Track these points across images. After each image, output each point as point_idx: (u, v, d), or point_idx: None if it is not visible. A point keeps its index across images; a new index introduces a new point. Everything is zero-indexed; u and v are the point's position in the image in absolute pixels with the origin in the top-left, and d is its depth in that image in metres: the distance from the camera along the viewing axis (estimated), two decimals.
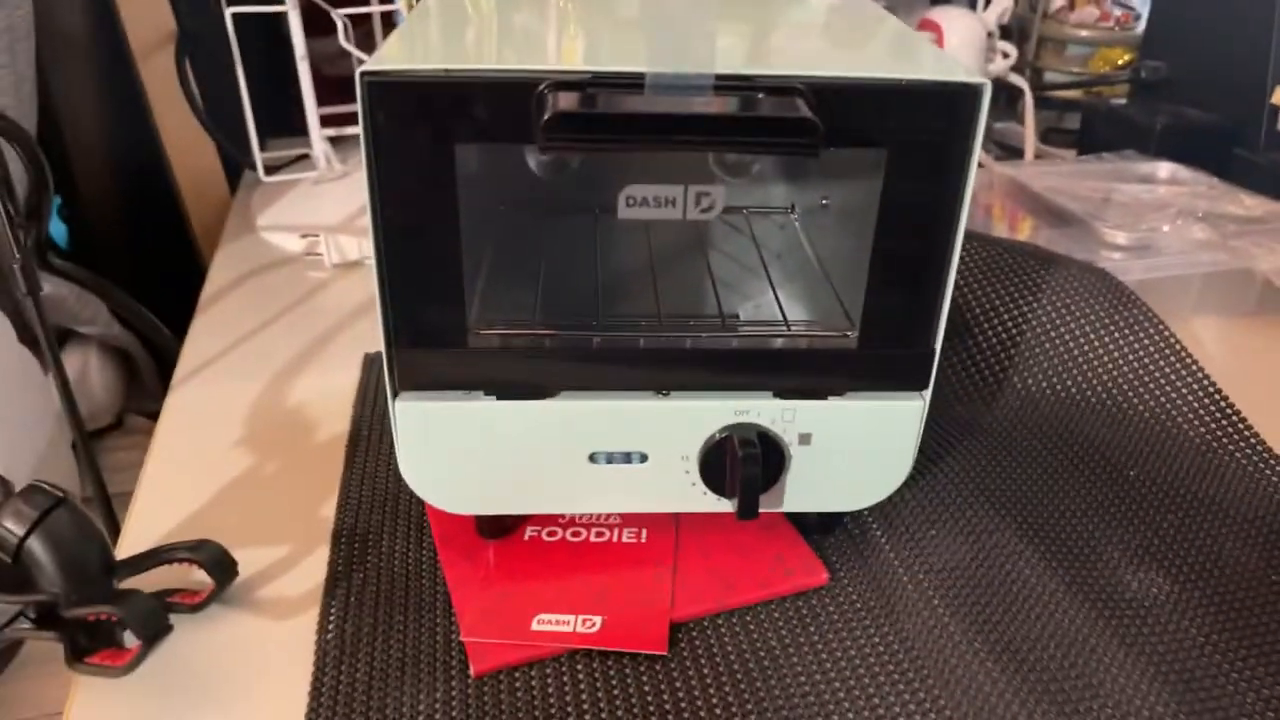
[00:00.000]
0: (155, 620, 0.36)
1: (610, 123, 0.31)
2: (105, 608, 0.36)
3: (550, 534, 0.45)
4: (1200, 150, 0.78)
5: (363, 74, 0.33)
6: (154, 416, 0.59)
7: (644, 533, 0.45)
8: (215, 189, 0.93)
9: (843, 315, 0.43)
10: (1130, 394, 0.55)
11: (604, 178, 0.38)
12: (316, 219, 0.78)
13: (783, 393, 0.41)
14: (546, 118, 0.31)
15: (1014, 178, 0.75)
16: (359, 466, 0.50)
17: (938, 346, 0.40)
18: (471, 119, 0.34)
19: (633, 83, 0.33)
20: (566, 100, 0.32)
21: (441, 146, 0.35)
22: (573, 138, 0.31)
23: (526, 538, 0.45)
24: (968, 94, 0.35)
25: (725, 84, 0.33)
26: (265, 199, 0.84)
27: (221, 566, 0.40)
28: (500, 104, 0.34)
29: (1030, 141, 0.92)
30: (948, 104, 0.35)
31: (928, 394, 0.41)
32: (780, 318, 0.44)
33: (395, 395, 0.40)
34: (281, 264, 0.75)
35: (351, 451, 0.51)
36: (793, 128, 0.31)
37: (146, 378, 0.75)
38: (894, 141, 0.36)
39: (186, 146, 0.91)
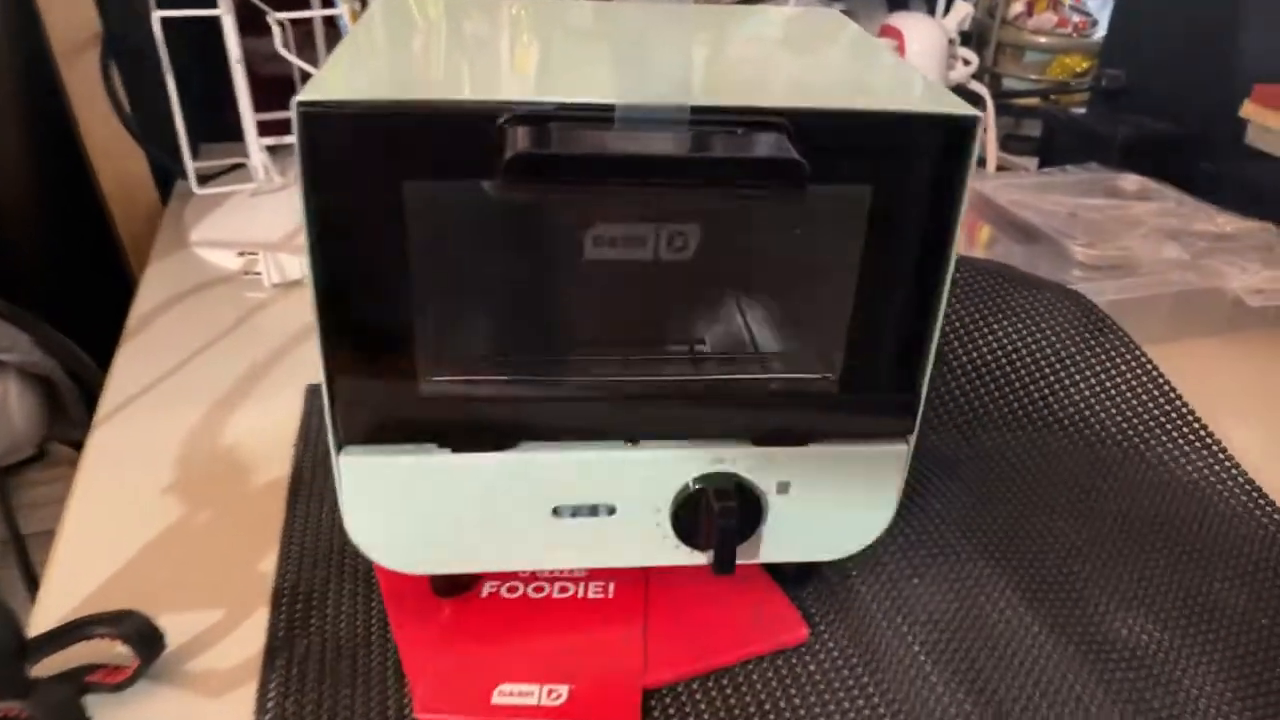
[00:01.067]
0: (70, 715, 0.33)
1: (577, 164, 0.28)
2: (15, 703, 0.32)
3: (510, 589, 0.42)
4: (1164, 162, 0.77)
5: (299, 104, 0.30)
6: (79, 446, 0.55)
7: (611, 586, 0.42)
8: (145, 197, 0.87)
9: (821, 355, 0.40)
10: (1110, 426, 0.53)
11: (568, 212, 0.35)
12: (254, 234, 0.73)
13: (760, 439, 0.38)
14: (507, 159, 0.28)
15: (978, 190, 0.73)
16: (301, 514, 0.46)
17: (924, 391, 0.38)
18: (423, 154, 0.31)
19: (600, 116, 0.30)
20: (528, 138, 0.29)
21: (389, 184, 0.31)
22: (536, 181, 0.28)
23: (485, 594, 0.42)
24: (962, 127, 0.32)
25: (701, 118, 0.30)
26: (199, 211, 0.79)
27: (147, 641, 0.36)
28: (455, 139, 0.30)
29: (992, 152, 0.90)
30: (941, 137, 0.33)
31: (912, 439, 0.39)
32: (751, 348, 0.41)
33: (339, 449, 0.36)
34: (216, 283, 0.71)
35: (293, 497, 0.48)
36: (779, 169, 0.29)
37: (70, 405, 0.70)
38: (881, 177, 0.33)
39: (113, 152, 0.86)
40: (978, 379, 0.56)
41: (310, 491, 0.48)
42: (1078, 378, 0.55)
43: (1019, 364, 0.56)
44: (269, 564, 0.44)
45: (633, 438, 0.38)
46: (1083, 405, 0.54)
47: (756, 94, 0.33)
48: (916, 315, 0.36)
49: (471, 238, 0.35)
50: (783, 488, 0.39)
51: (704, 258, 0.36)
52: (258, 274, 0.70)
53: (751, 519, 0.39)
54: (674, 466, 0.38)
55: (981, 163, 0.93)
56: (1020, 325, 0.57)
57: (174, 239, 0.77)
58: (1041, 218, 0.66)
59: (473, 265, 0.36)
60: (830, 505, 0.40)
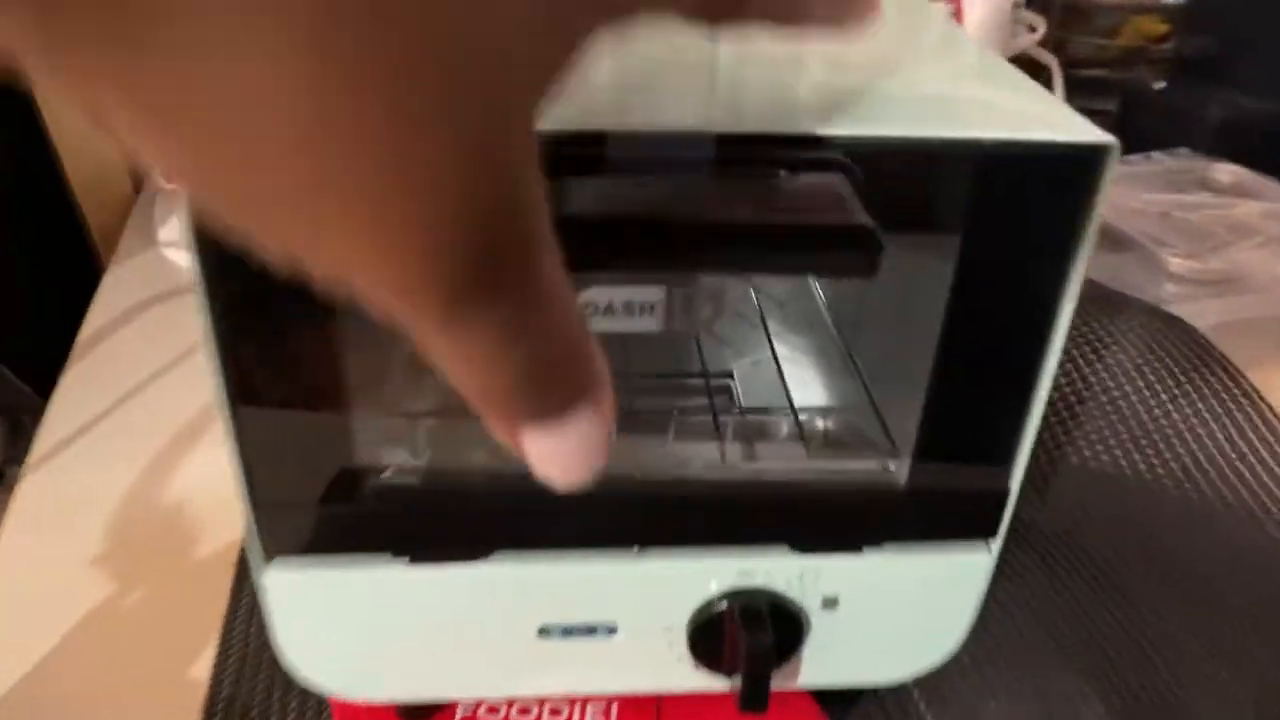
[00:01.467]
0: None
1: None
2: None
3: (491, 710, 0.34)
4: (1263, 149, 0.67)
5: None
6: None
7: (614, 710, 0.34)
8: (118, 188, 0.80)
9: (881, 431, 0.32)
10: (1223, 487, 0.44)
11: None
12: None
13: (802, 545, 0.30)
14: None
15: None
16: (246, 603, 0.39)
17: (1015, 486, 0.29)
18: None
19: (587, 145, 0.21)
20: None
21: None
22: None
23: (459, 718, 0.34)
24: (1093, 159, 0.23)
25: (731, 151, 0.22)
26: (171, 206, 0.71)
27: None
28: None
29: None
30: (1059, 172, 0.24)
31: (996, 545, 0.30)
32: (794, 428, 0.33)
33: (266, 562, 0.29)
34: (183, 293, 0.63)
35: (239, 579, 0.40)
36: (842, 238, 0.20)
37: (28, 424, 0.63)
38: (979, 222, 0.24)
39: (84, 136, 0.78)
40: (1059, 425, 0.47)
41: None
42: (1179, 422, 0.46)
43: (1105, 405, 0.47)
44: (203, 665, 0.36)
45: (638, 544, 0.30)
46: (1186, 458, 0.45)
47: (805, 116, 0.24)
48: (1017, 389, 0.27)
49: None
50: (829, 603, 0.31)
51: (724, 321, 0.28)
52: None
53: (789, 642, 0.31)
54: (692, 579, 0.30)
55: None
56: (1105, 356, 0.48)
57: (142, 236, 0.69)
58: (1128, 220, 0.56)
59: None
60: (889, 622, 0.31)
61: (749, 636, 0.29)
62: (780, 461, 0.31)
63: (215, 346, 0.24)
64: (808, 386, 0.36)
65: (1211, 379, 0.46)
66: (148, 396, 0.53)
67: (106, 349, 0.57)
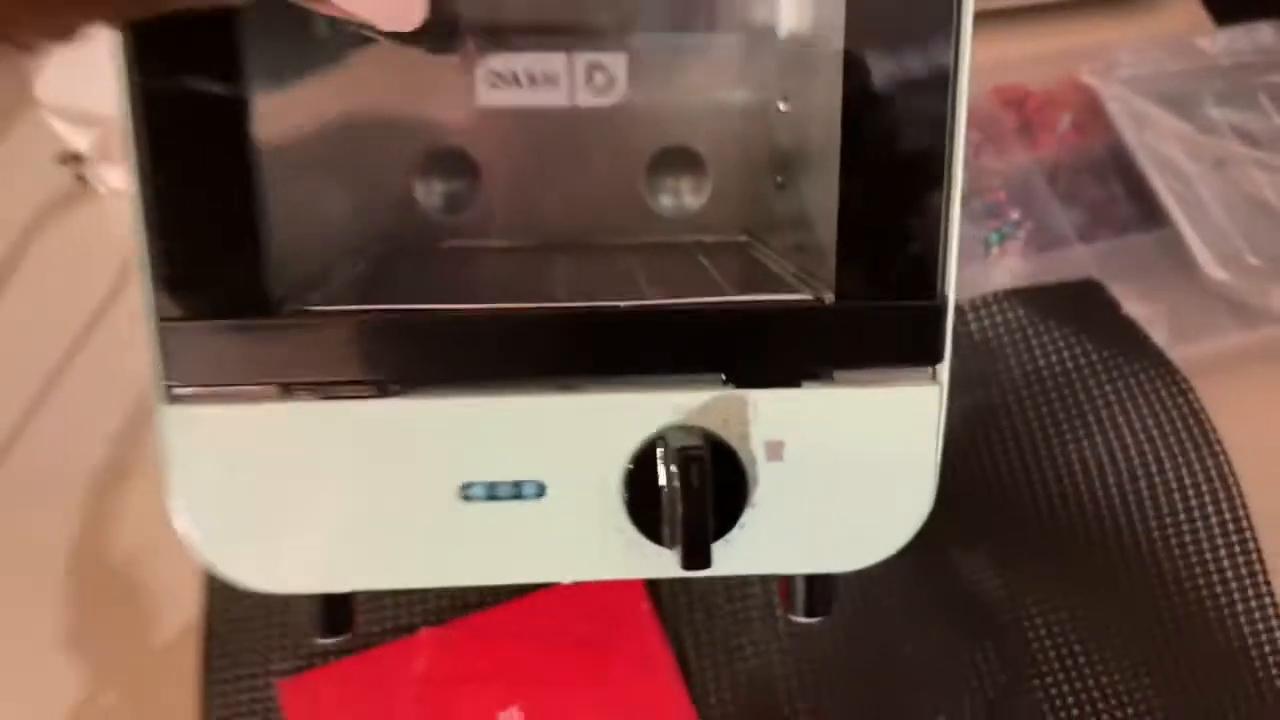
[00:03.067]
0: None
1: None
2: None
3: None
4: None
5: None
6: None
7: None
8: None
9: (812, 278, 0.31)
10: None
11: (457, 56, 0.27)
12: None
13: (737, 378, 0.28)
14: None
15: (1076, 74, 0.58)
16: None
17: (951, 295, 0.28)
18: None
19: None
20: None
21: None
22: None
23: None
24: None
25: None
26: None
27: None
28: None
29: None
30: None
31: (944, 372, 0.29)
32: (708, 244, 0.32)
33: (166, 398, 0.27)
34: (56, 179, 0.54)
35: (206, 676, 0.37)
36: None
37: None
38: None
39: None
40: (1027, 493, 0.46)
41: (228, 653, 0.37)
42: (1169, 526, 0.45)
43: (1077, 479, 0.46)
44: None
45: (561, 375, 0.28)
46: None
47: None
48: (925, 180, 0.27)
49: (324, 84, 0.28)
50: (774, 451, 0.29)
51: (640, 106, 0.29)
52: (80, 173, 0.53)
53: (733, 496, 0.28)
54: (621, 421, 0.28)
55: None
56: (1078, 419, 0.47)
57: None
58: (1167, 174, 0.56)
59: (330, 125, 0.28)
60: (842, 478, 0.29)
61: (682, 462, 0.27)
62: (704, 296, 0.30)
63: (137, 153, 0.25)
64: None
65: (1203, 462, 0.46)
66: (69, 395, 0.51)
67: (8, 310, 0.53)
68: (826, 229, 0.28)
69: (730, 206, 0.38)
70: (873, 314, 0.28)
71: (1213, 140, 0.58)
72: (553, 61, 0.26)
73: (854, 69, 0.27)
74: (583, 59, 0.27)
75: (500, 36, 0.26)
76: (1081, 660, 0.45)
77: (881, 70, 0.27)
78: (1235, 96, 0.60)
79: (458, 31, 0.26)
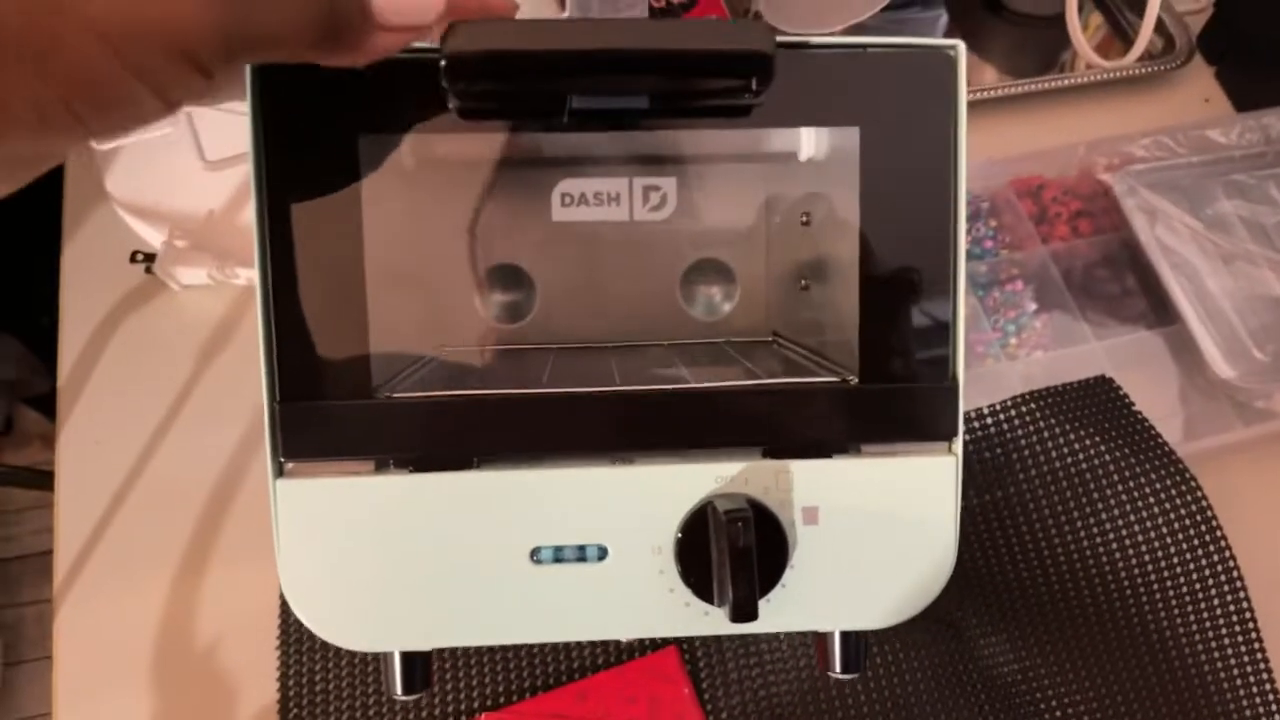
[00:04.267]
0: None
1: (524, 60, 0.27)
2: None
3: None
4: None
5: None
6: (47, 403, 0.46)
7: None
8: None
9: (837, 366, 0.35)
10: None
11: (536, 181, 0.33)
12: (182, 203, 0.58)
13: (774, 451, 0.32)
14: (446, 52, 0.26)
15: (1069, 177, 0.62)
16: None
17: (961, 379, 0.32)
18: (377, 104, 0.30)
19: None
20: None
21: (345, 137, 0.30)
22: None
23: None
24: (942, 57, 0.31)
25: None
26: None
27: None
28: (406, 85, 0.29)
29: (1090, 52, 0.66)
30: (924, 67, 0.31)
31: (958, 445, 0.33)
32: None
33: (279, 474, 0.31)
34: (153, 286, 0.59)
35: None
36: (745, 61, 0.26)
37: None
38: (868, 114, 0.31)
39: None
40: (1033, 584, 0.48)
41: None
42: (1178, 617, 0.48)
43: (1090, 574, 0.49)
44: None
45: (619, 450, 0.32)
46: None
47: None
48: (935, 285, 0.32)
49: (423, 205, 0.33)
50: (810, 515, 0.32)
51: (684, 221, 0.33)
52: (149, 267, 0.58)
53: (775, 555, 0.32)
54: (673, 489, 0.32)
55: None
56: (1089, 519, 0.50)
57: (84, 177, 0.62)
58: (1178, 270, 0.59)
59: (425, 234, 0.33)
60: (873, 542, 0.32)
61: (730, 520, 0.30)
62: (749, 381, 0.34)
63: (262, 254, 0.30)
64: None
65: (1214, 565, 0.49)
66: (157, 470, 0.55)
67: (94, 392, 0.58)
68: (848, 325, 0.33)
69: (758, 310, 0.43)
70: (894, 395, 0.32)
71: (1222, 236, 0.62)
72: (618, 184, 0.31)
73: (868, 193, 0.31)
74: (641, 182, 0.32)
75: (574, 165, 0.31)
76: None
77: (891, 192, 0.32)
78: (1247, 189, 0.63)
79: (540, 161, 0.32)
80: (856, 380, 0.32)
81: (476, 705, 0.48)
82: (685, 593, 0.32)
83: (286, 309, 0.31)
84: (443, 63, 0.26)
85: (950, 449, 0.33)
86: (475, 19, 0.25)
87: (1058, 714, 0.48)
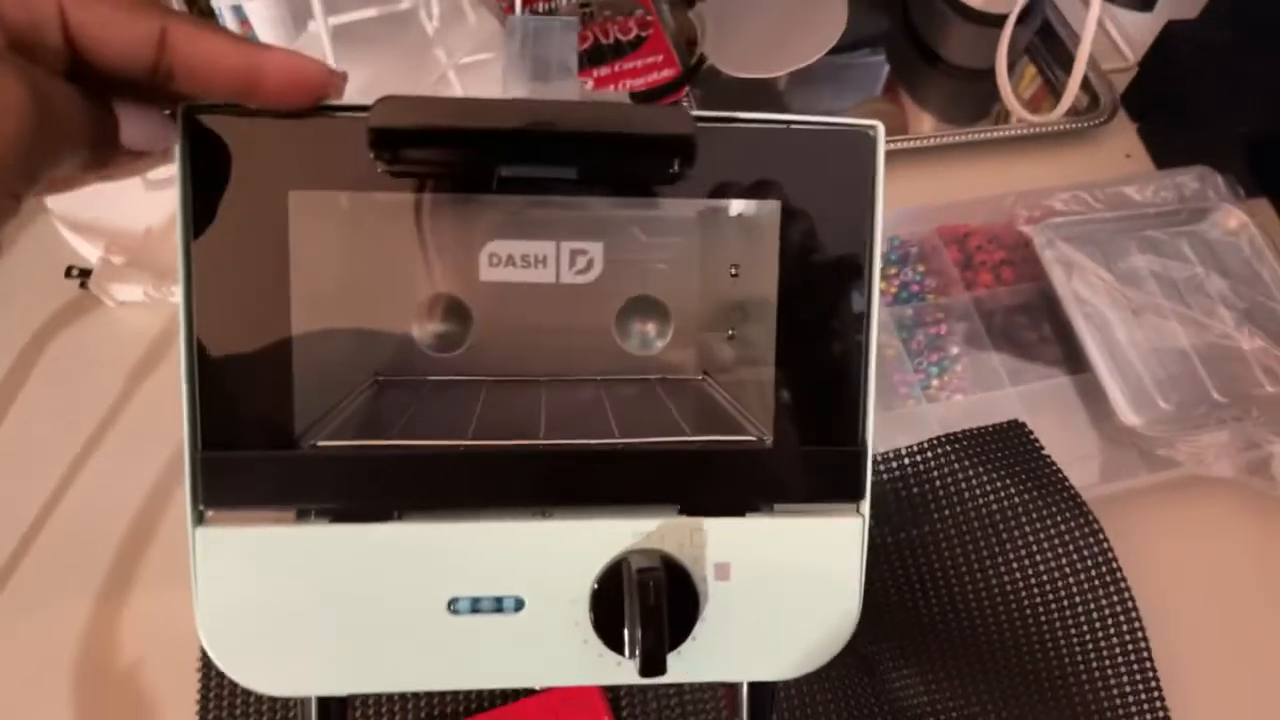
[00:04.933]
0: None
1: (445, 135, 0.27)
2: None
3: None
4: None
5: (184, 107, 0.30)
6: None
7: None
8: None
9: (758, 416, 0.36)
10: None
11: (469, 224, 0.33)
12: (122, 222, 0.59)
13: (691, 509, 0.33)
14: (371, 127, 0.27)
15: (1010, 219, 0.64)
16: None
17: (870, 443, 0.34)
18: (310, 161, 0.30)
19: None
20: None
21: (275, 192, 0.30)
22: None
23: None
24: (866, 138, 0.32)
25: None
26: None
27: None
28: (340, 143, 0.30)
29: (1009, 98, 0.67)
30: (843, 148, 0.32)
31: (865, 507, 0.34)
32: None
33: (198, 522, 0.32)
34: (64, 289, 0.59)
35: None
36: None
37: None
38: (789, 190, 0.32)
39: None
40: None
41: None
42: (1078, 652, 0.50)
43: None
44: None
45: (540, 508, 0.33)
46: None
47: None
48: (847, 353, 0.33)
49: (351, 252, 0.33)
50: (721, 572, 0.33)
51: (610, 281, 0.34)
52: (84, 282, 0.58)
53: (686, 611, 0.33)
54: (590, 544, 0.33)
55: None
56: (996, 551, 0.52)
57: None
58: (1090, 321, 0.61)
59: (358, 270, 0.34)
60: (781, 597, 0.34)
61: (641, 579, 0.31)
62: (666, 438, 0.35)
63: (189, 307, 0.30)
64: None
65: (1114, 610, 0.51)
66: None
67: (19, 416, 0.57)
68: (765, 381, 0.34)
69: (689, 349, 0.44)
70: (805, 458, 0.33)
71: (1134, 290, 0.65)
72: (545, 248, 0.32)
73: (787, 262, 0.33)
74: (568, 246, 0.32)
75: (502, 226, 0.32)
76: None
77: (809, 262, 0.33)
78: (1159, 245, 0.67)
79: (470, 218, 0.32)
80: (770, 439, 0.33)
81: None
82: (599, 644, 0.33)
83: (210, 357, 0.31)
84: (369, 133, 0.26)
85: (858, 510, 0.34)
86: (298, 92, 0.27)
87: None
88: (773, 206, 0.33)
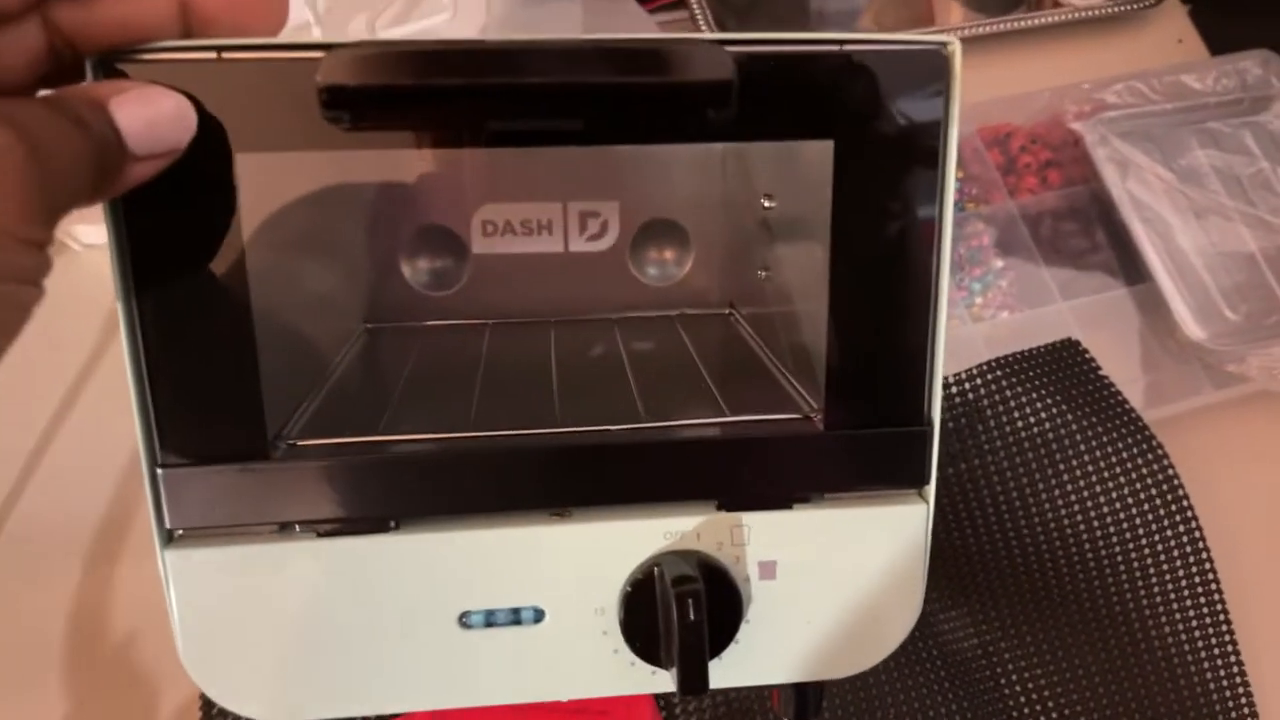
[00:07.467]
0: None
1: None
2: None
3: None
4: None
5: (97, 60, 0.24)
6: None
7: None
8: None
9: (802, 400, 0.32)
10: None
11: (459, 205, 0.28)
12: None
13: (730, 503, 0.29)
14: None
15: (1056, 115, 0.57)
16: None
17: (936, 418, 0.29)
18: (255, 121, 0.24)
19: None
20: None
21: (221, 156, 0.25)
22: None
23: None
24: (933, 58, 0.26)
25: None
26: None
27: None
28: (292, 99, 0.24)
29: None
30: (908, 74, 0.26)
31: (930, 492, 0.30)
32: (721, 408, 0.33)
33: (167, 542, 0.27)
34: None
35: None
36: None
37: None
38: (844, 127, 0.26)
39: None
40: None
41: None
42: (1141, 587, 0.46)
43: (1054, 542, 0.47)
44: None
45: (555, 505, 0.29)
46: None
47: None
48: (913, 316, 0.28)
49: (319, 204, 0.28)
50: (766, 570, 0.29)
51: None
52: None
53: (728, 616, 0.29)
54: (618, 545, 0.29)
55: None
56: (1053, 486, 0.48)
57: None
58: (1149, 225, 0.55)
59: (325, 236, 0.28)
60: (834, 594, 0.30)
61: (678, 591, 0.27)
62: (698, 421, 0.31)
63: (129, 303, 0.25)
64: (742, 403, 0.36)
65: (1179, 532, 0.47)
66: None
67: None
68: (812, 334, 0.29)
69: (713, 278, 0.39)
70: (862, 441, 0.29)
71: (1195, 189, 0.59)
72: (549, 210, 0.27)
73: (841, 209, 0.27)
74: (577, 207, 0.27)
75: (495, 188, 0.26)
76: (1054, 715, 0.47)
77: (868, 210, 0.27)
78: (1221, 138, 0.60)
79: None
80: (820, 416, 0.29)
81: None
82: (630, 654, 0.29)
83: (160, 354, 0.26)
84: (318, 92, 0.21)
85: (921, 495, 0.30)
86: None
87: (1018, 689, 0.47)
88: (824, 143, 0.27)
